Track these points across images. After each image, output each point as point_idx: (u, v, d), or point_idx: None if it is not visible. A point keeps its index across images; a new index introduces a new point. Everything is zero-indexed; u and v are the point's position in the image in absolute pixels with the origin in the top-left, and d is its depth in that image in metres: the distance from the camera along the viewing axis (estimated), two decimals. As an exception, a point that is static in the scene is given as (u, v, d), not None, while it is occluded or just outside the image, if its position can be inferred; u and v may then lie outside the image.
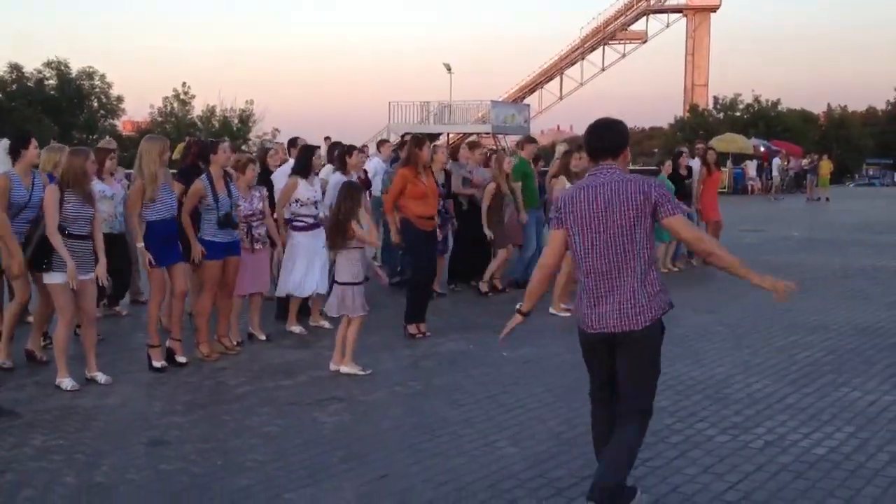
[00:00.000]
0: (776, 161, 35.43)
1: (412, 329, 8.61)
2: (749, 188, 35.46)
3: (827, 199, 32.10)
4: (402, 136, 12.62)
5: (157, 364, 7.29)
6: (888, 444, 5.54)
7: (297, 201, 8.64)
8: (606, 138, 4.38)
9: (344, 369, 7.25)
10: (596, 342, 4.57)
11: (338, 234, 7.24)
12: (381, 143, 13.27)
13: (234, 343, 8.04)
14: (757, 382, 7.00)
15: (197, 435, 5.75)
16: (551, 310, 9.81)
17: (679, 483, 4.93)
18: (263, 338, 8.40)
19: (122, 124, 44.41)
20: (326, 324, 8.92)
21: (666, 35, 60.06)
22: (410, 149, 8.85)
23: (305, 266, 8.61)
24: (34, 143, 7.43)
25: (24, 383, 6.88)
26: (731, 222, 19.79)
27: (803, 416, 6.13)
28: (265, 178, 9.29)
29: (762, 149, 37.65)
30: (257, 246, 8.25)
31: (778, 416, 6.13)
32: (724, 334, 8.85)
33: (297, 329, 8.74)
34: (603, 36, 57.03)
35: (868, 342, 8.48)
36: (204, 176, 7.69)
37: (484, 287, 11.04)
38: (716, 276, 12.85)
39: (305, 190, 8.65)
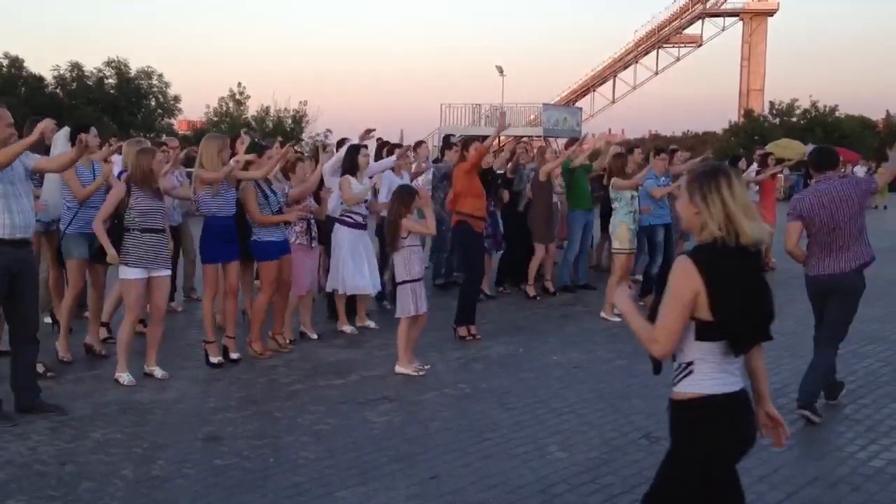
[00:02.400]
0: (858, 168, 34.66)
1: (462, 331, 8.63)
2: None
3: (885, 207, 31.46)
4: (447, 138, 12.64)
5: (213, 360, 7.40)
6: (948, 459, 5.42)
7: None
8: (831, 159, 6.49)
9: (399, 369, 7.31)
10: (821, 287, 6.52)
11: (392, 234, 7.30)
12: (417, 145, 13.31)
13: (288, 341, 8.12)
14: (813, 392, 6.88)
15: (250, 431, 5.83)
16: (603, 314, 9.76)
17: (732, 492, 4.86)
18: (315, 336, 8.48)
19: (178, 123, 45.12)
20: (372, 324, 8.99)
21: (721, 39, 59.54)
22: (465, 148, 8.95)
23: (356, 264, 8.66)
24: (94, 131, 7.60)
25: (82, 377, 7.03)
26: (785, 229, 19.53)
27: (860, 428, 6.03)
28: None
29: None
30: (314, 244, 8.34)
31: (835, 428, 6.04)
32: (781, 342, 8.64)
33: (347, 329, 8.80)
34: (657, 39, 56.49)
35: (928, 354, 8.31)
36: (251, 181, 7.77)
37: (531, 290, 11.01)
38: (772, 283, 12.68)
39: (356, 187, 8.73)
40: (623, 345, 8.55)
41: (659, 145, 11.99)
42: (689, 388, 3.16)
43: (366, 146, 9.50)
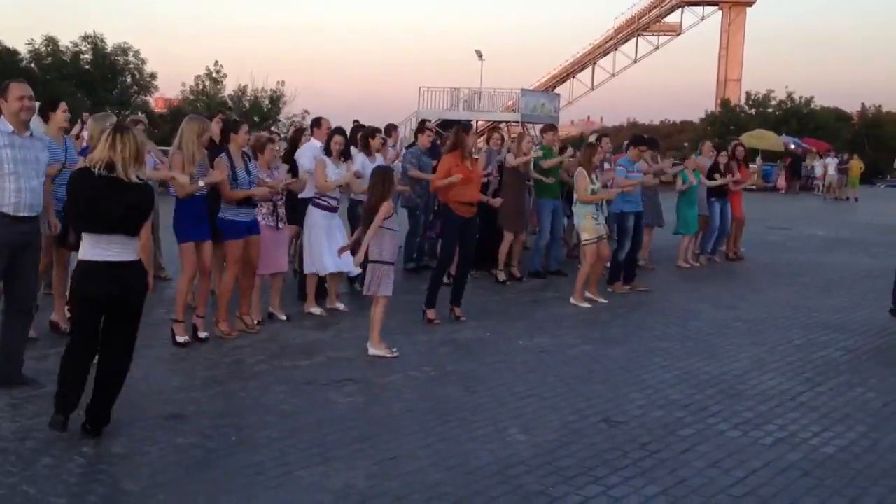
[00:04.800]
0: (829, 159, 34.89)
1: (431, 314, 8.67)
2: (816, 187, 35.09)
3: (856, 198, 31.80)
4: (422, 122, 12.67)
5: (180, 339, 7.40)
6: (899, 446, 5.54)
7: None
8: None
9: (372, 351, 7.34)
10: None
11: (369, 216, 7.31)
12: (390, 129, 13.36)
13: (255, 322, 8.14)
14: (772, 379, 7.01)
15: (213, 410, 5.85)
16: (572, 300, 9.84)
17: (686, 476, 4.96)
18: (284, 318, 8.50)
19: (154, 101, 44.65)
20: (342, 306, 9.03)
21: (700, 28, 59.51)
22: (457, 134, 8.97)
23: (331, 245, 8.68)
24: (63, 106, 7.57)
25: (47, 353, 6.99)
26: (758, 219, 19.76)
27: (815, 415, 6.14)
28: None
29: (792, 146, 37.30)
30: (281, 224, 8.36)
31: (790, 414, 6.14)
32: (742, 330, 8.85)
33: (316, 310, 8.83)
34: (637, 27, 56.58)
35: (887, 343, 8.46)
36: (224, 154, 7.78)
37: (501, 275, 11.07)
38: (736, 273, 12.87)
39: (332, 171, 8.76)
40: (589, 330, 8.65)
41: (637, 135, 12.04)
42: None
43: (342, 132, 9.52)
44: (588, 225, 9.81)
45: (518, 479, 4.85)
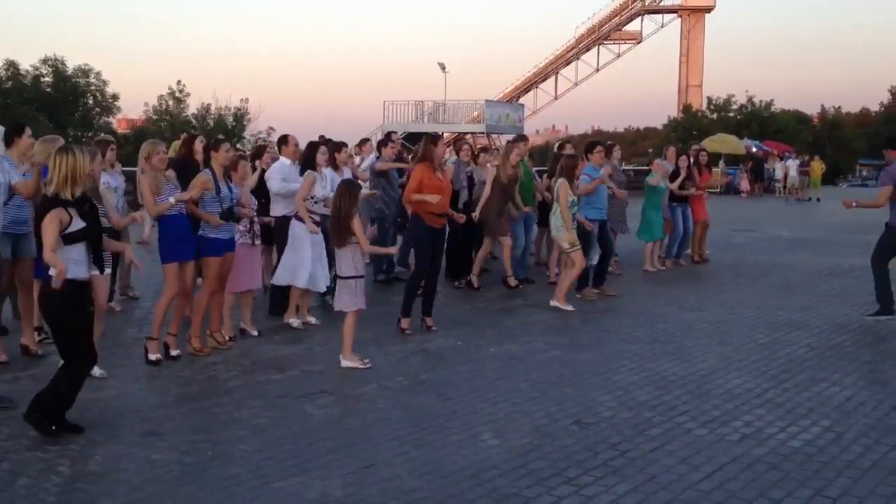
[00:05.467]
0: (790, 161, 35.39)
1: (404, 324, 8.76)
2: (777, 189, 35.52)
3: (818, 199, 32.31)
4: (388, 135, 12.77)
5: (152, 357, 7.41)
6: (861, 438, 5.70)
7: (312, 197, 8.87)
8: None
9: (344, 363, 7.40)
10: None
11: (339, 230, 7.38)
12: (363, 143, 13.57)
13: (227, 338, 8.17)
14: (737, 378, 7.16)
15: (189, 427, 5.88)
16: (553, 302, 9.94)
17: (656, 473, 5.08)
18: (255, 333, 8.54)
19: (117, 122, 44.47)
20: (314, 320, 9.07)
21: (660, 36, 60.46)
22: (426, 145, 9.03)
23: (314, 260, 8.75)
24: (28, 132, 7.57)
25: (19, 376, 7.01)
26: (723, 222, 20.04)
27: (781, 411, 6.29)
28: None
29: (754, 149, 37.85)
30: (257, 242, 8.43)
31: (756, 411, 6.29)
32: (708, 331, 9.01)
33: (295, 322, 8.86)
34: (597, 36, 57.25)
35: (849, 339, 8.66)
36: (207, 170, 7.86)
37: (475, 281, 11.16)
38: (702, 276, 13.06)
39: (319, 187, 8.86)
40: (559, 336, 8.77)
41: (594, 140, 12.23)
42: None
43: (325, 143, 9.63)
44: (568, 234, 9.94)
45: (492, 482, 4.94)
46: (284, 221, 9.03)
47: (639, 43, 58.70)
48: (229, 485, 4.89)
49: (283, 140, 9.66)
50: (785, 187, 34.58)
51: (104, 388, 6.72)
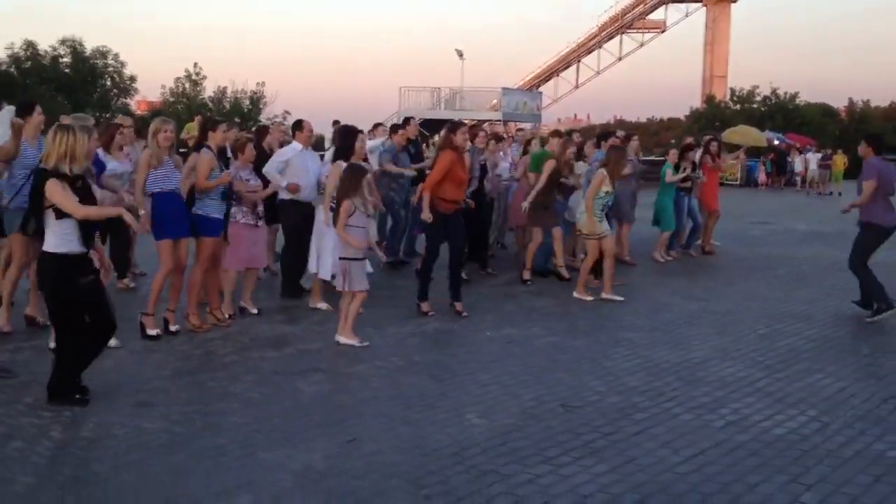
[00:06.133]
0: (811, 154, 35.07)
1: (425, 307, 8.83)
2: (797, 183, 35.17)
3: (839, 193, 32.01)
4: (406, 120, 12.80)
5: (151, 332, 7.53)
6: (846, 428, 5.72)
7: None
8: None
9: (343, 340, 7.49)
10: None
11: (336, 211, 7.47)
12: (375, 127, 13.65)
13: (227, 315, 8.27)
14: (731, 367, 7.18)
15: (182, 399, 5.99)
16: (575, 294, 9.96)
17: (636, 455, 5.13)
18: (255, 311, 8.63)
19: (136, 104, 44.79)
20: (325, 306, 8.99)
21: (684, 25, 59.90)
22: (447, 134, 9.06)
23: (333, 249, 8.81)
24: (38, 109, 7.68)
25: (21, 346, 7.15)
26: (741, 214, 20.00)
27: (769, 400, 6.31)
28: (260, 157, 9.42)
29: (776, 142, 37.53)
30: (260, 222, 8.52)
31: (745, 399, 6.31)
32: (709, 321, 9.02)
33: (323, 305, 8.89)
34: (621, 24, 56.85)
35: (850, 332, 8.66)
36: (206, 150, 7.93)
37: (527, 274, 10.93)
38: (711, 267, 13.03)
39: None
40: (558, 323, 8.81)
41: (605, 131, 12.22)
42: None
43: (361, 131, 9.69)
44: (591, 221, 9.84)
45: (472, 460, 5.00)
46: (288, 205, 9.12)
47: (663, 32, 58.24)
48: (216, 454, 5.00)
49: (298, 125, 9.67)
50: (804, 181, 34.28)
51: (103, 359, 6.75)
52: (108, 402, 5.83)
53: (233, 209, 8.23)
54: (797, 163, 35.02)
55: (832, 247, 15.51)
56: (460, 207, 9.11)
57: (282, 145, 10.14)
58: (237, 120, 12.62)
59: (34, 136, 7.58)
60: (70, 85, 38.52)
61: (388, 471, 4.82)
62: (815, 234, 17.69)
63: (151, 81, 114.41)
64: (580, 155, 11.68)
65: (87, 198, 5.73)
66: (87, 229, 5.72)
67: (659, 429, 5.63)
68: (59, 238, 5.58)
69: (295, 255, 9.31)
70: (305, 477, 4.72)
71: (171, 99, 37.96)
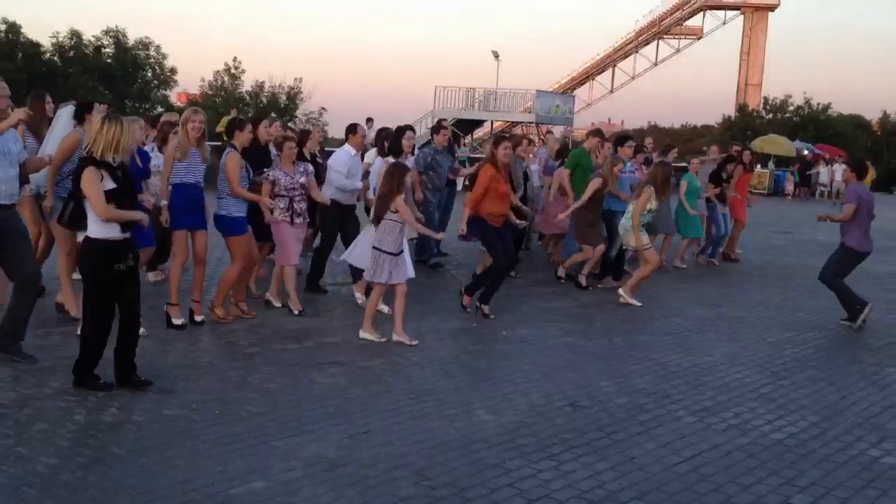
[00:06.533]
0: (837, 165, 34.90)
1: (487, 309, 9.01)
2: (822, 193, 34.99)
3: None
4: (439, 122, 12.85)
5: (177, 321, 7.78)
6: (845, 435, 5.85)
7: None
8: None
9: (362, 335, 7.72)
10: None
11: (382, 207, 7.71)
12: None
13: (297, 312, 8.57)
14: (738, 372, 7.31)
15: (201, 387, 6.23)
16: (621, 291, 10.11)
17: (636, 455, 5.30)
18: (278, 305, 8.83)
19: (176, 95, 45.36)
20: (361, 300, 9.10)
21: (722, 32, 59.69)
22: (491, 148, 9.23)
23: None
24: (98, 107, 7.91)
25: (51, 332, 7.42)
26: (764, 223, 19.97)
27: (772, 405, 6.44)
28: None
29: (805, 152, 37.35)
30: (297, 220, 8.65)
31: (748, 404, 6.45)
32: (721, 327, 9.14)
33: (360, 300, 9.05)
34: (658, 30, 56.79)
35: (859, 343, 8.75)
36: (233, 150, 8.12)
37: (583, 280, 10.95)
38: (728, 275, 13.12)
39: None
40: (573, 324, 8.97)
41: (624, 134, 12.32)
42: None
43: (412, 129, 9.92)
44: (636, 236, 9.92)
45: (478, 454, 5.19)
46: (334, 206, 9.26)
47: (699, 38, 58.11)
48: (231, 441, 5.22)
49: (352, 129, 9.70)
50: (831, 192, 34.08)
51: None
52: (131, 389, 6.07)
53: (272, 206, 8.46)
54: (823, 174, 34.80)
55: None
56: (508, 220, 9.20)
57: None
58: (273, 115, 12.96)
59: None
60: (111, 76, 39.12)
61: (396, 462, 5.01)
62: (835, 246, 17.60)
63: (192, 74, 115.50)
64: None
65: (127, 187, 5.97)
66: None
67: (661, 430, 5.79)
68: (100, 225, 5.83)
69: (327, 244, 9.56)
70: (316, 465, 4.92)
71: (210, 92, 38.41)
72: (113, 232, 5.88)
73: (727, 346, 8.28)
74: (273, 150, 9.06)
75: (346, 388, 6.41)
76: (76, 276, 8.23)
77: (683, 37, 58.25)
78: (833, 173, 34.15)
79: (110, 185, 5.85)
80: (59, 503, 4.30)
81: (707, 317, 9.65)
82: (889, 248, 17.57)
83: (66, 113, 7.86)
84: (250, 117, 9.84)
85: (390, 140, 9.67)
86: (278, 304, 8.88)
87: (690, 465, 5.17)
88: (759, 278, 12.76)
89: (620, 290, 10.19)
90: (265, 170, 8.46)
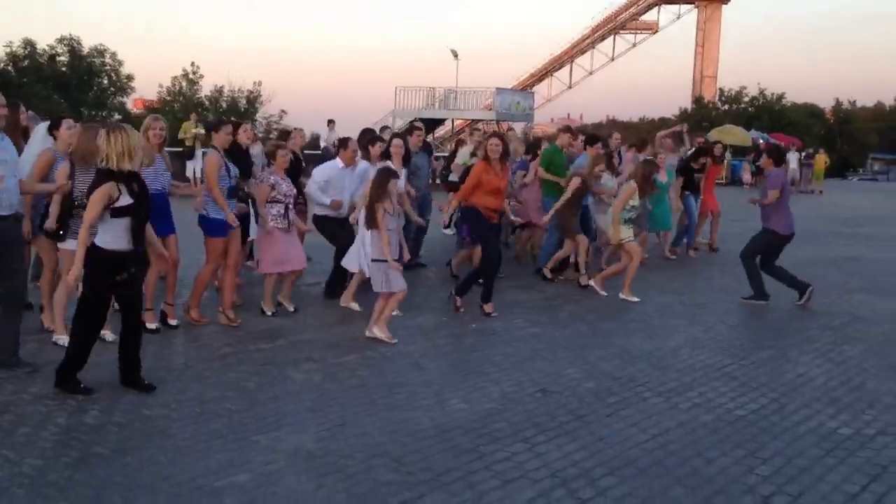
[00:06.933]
0: (791, 154, 35.54)
1: (488, 308, 9.11)
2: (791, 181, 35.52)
3: (820, 191, 32.53)
4: (412, 122, 12.97)
5: (150, 326, 7.85)
6: (803, 408, 6.11)
7: None
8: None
9: (376, 333, 7.84)
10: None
11: (370, 215, 7.84)
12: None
13: (270, 313, 8.67)
14: (701, 354, 7.57)
15: (179, 388, 6.33)
16: (622, 295, 10.15)
17: (606, 435, 5.50)
18: (292, 309, 8.87)
19: (132, 102, 44.96)
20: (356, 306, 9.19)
21: (677, 26, 60.34)
22: (483, 145, 9.37)
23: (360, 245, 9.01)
24: (66, 123, 7.92)
25: (26, 339, 7.39)
26: (722, 212, 20.24)
27: (734, 384, 6.70)
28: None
29: (761, 142, 38.00)
30: (291, 227, 8.78)
31: (712, 383, 6.70)
32: (683, 312, 9.41)
33: (355, 305, 9.12)
34: (614, 25, 57.37)
35: (816, 323, 9.03)
36: (213, 150, 8.24)
37: (584, 280, 10.91)
38: (688, 263, 13.42)
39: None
40: (538, 315, 9.17)
41: (591, 135, 12.48)
42: None
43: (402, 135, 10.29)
44: (616, 230, 10.13)
45: (453, 440, 5.37)
46: (322, 219, 9.41)
47: (655, 33, 58.75)
48: (211, 437, 5.34)
49: (343, 143, 9.76)
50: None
51: (103, 352, 7.12)
52: (110, 391, 6.15)
53: (264, 212, 8.59)
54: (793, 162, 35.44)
55: (806, 244, 15.86)
56: (500, 217, 9.35)
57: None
58: (225, 118, 12.98)
59: (63, 151, 7.82)
60: (67, 84, 38.70)
61: (374, 451, 5.17)
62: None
63: (148, 81, 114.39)
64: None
65: (141, 200, 6.07)
66: (140, 227, 6.10)
67: (629, 411, 6.01)
68: (110, 235, 5.94)
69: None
70: (296, 457, 5.07)
71: (168, 98, 38.13)
72: (122, 244, 5.99)
73: (688, 329, 8.54)
74: (254, 153, 9.18)
75: (321, 384, 6.55)
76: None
77: (639, 31, 58.87)
78: (787, 161, 34.77)
79: (127, 200, 5.96)
80: (49, 502, 4.40)
81: (669, 303, 9.91)
82: (844, 233, 18.11)
83: (42, 128, 7.93)
84: (231, 121, 9.88)
85: (347, 163, 9.62)
86: (291, 309, 8.89)
87: (658, 442, 5.39)
88: (719, 266, 13.07)
89: (591, 282, 10.39)
90: (263, 173, 8.59)
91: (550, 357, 7.43)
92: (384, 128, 14.19)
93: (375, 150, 9.94)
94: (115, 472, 4.81)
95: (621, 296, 10.14)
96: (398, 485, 4.70)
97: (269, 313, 8.69)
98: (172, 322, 8.06)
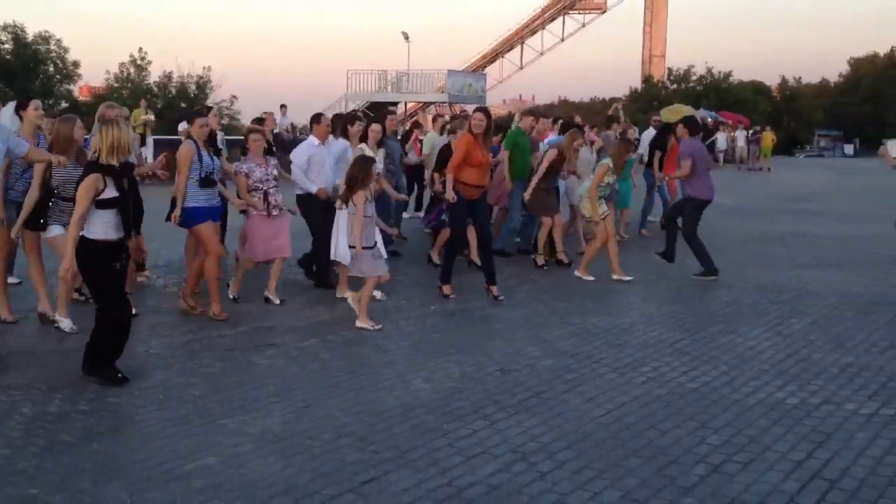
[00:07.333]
0: (739, 132, 36.12)
1: (446, 290, 9.15)
2: (717, 159, 36.08)
3: (768, 169, 33.17)
4: (385, 109, 12.97)
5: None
6: (752, 381, 6.35)
7: None
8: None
9: (357, 324, 7.85)
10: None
11: (346, 199, 7.91)
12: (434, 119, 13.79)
13: (278, 302, 8.68)
14: (654, 330, 7.80)
15: (142, 375, 6.38)
16: (577, 273, 10.35)
17: (564, 410, 5.69)
18: (277, 302, 8.76)
19: (78, 90, 44.27)
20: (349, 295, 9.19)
21: (625, 5, 60.73)
22: (467, 121, 9.42)
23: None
24: (33, 104, 7.86)
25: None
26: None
27: (686, 358, 6.93)
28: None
29: (709, 120, 38.57)
30: (275, 212, 8.71)
31: (664, 358, 6.92)
32: (636, 290, 9.64)
33: (349, 295, 9.07)
34: (563, 5, 57.47)
35: (765, 298, 9.32)
36: (190, 140, 8.20)
37: (540, 259, 11.06)
38: (642, 241, 13.66)
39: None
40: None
41: (566, 122, 12.65)
42: None
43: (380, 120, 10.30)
44: (592, 206, 10.23)
45: (417, 419, 5.51)
46: (305, 198, 9.31)
47: (604, 13, 58.92)
48: (178, 423, 5.42)
49: (316, 119, 9.61)
50: (734, 158, 35.36)
51: (67, 340, 7.19)
52: (73, 380, 6.18)
53: (252, 201, 8.58)
54: (720, 140, 36.02)
55: (754, 220, 16.37)
56: (484, 192, 9.33)
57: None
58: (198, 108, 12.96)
59: (30, 133, 7.74)
60: (11, 72, 38.04)
61: (340, 431, 5.29)
62: (740, 209, 18.48)
63: (95, 67, 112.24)
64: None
65: (127, 193, 6.14)
66: (127, 218, 6.16)
67: (586, 387, 6.20)
68: (99, 226, 6.02)
69: (322, 246, 9.11)
70: (263, 439, 5.17)
71: (116, 84, 37.63)
72: (111, 234, 6.07)
73: (642, 306, 8.77)
74: (220, 138, 9.18)
75: (284, 368, 6.64)
76: (12, 279, 8.33)
77: (588, 11, 59.00)
78: (735, 140, 35.41)
79: (112, 193, 6.03)
80: (20, 490, 4.45)
81: (625, 281, 10.13)
82: (792, 209, 18.56)
83: (8, 109, 7.90)
84: (203, 109, 9.78)
85: (322, 139, 9.58)
86: (277, 302, 8.74)
87: (613, 416, 5.58)
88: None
89: (576, 272, 10.46)
90: (236, 164, 8.59)
91: (509, 337, 7.60)
92: (282, 106, 14.25)
93: (355, 129, 9.99)
94: (83, 458, 4.87)
95: (576, 273, 10.34)
96: (364, 463, 4.83)
97: (232, 297, 8.72)
98: (133, 311, 8.05)
